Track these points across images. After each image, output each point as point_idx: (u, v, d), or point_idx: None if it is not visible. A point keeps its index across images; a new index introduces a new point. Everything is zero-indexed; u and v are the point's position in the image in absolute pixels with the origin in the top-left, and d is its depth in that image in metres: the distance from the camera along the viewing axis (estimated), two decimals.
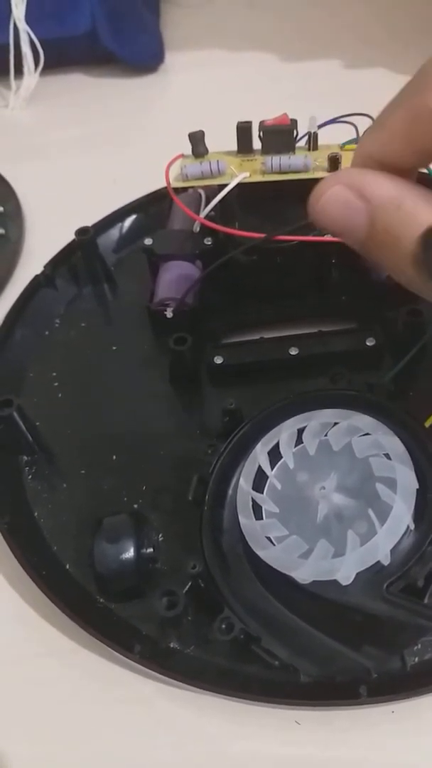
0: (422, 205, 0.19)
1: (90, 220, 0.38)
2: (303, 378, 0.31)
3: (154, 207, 0.39)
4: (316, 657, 0.24)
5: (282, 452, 0.26)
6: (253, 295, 0.34)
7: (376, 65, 0.47)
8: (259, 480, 0.26)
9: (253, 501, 0.25)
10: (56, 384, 0.34)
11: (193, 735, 0.25)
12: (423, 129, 0.20)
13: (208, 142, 0.33)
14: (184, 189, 0.34)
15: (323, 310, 0.34)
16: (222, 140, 0.33)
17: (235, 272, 0.33)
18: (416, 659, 0.24)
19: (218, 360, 0.32)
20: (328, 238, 0.32)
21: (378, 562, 0.23)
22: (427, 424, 0.27)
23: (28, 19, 0.45)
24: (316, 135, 0.33)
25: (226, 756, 0.25)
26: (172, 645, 0.26)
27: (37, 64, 0.47)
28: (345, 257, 0.34)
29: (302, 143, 0.33)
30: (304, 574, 0.23)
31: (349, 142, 0.33)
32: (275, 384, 0.31)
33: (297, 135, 0.33)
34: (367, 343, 0.32)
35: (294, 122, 0.33)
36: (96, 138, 0.46)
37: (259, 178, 0.32)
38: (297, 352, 0.32)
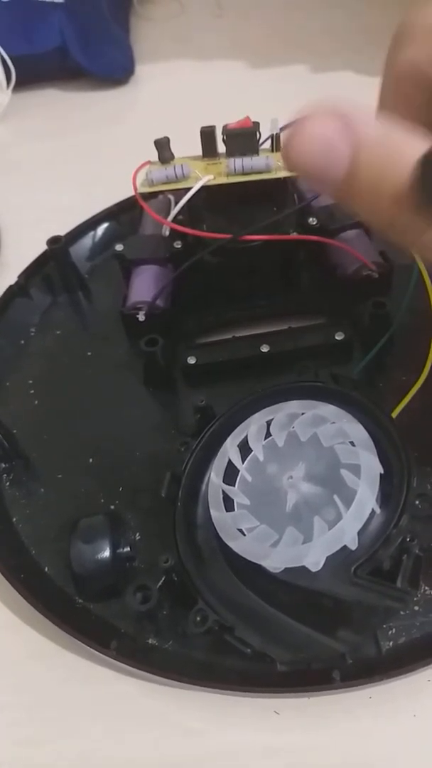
0: (410, 139, 0.17)
1: (65, 231, 0.38)
2: (275, 374, 0.31)
3: (126, 214, 0.40)
4: (290, 644, 0.24)
5: (251, 445, 0.26)
6: (224, 295, 0.35)
7: (342, 69, 0.48)
8: (231, 473, 0.26)
9: (225, 494, 0.25)
10: (32, 391, 0.34)
11: (175, 729, 0.25)
12: (403, 91, 0.19)
13: (180, 148, 0.34)
14: (154, 195, 0.35)
15: (293, 307, 0.34)
16: (193, 146, 0.34)
17: (205, 274, 0.34)
18: (391, 643, 0.25)
19: (191, 360, 0.33)
20: (294, 236, 0.33)
21: (345, 547, 0.23)
22: (394, 414, 0.27)
23: None
24: (278, 136, 0.33)
25: (208, 749, 0.25)
26: (150, 641, 0.26)
27: (8, 80, 0.48)
28: (312, 254, 0.34)
29: (267, 145, 0.34)
30: (274, 562, 0.23)
31: None
32: (248, 381, 0.31)
33: (260, 137, 0.33)
34: (337, 338, 0.32)
35: (256, 125, 0.33)
36: (70, 151, 0.47)
37: (223, 180, 0.32)
38: (268, 350, 0.32)
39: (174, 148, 0.34)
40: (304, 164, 0.18)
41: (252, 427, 0.27)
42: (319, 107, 0.18)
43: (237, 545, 0.24)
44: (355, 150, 0.17)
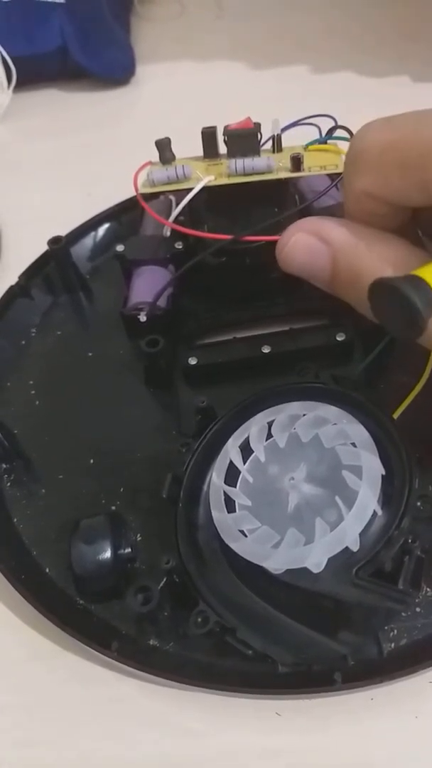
0: (377, 243, 0.21)
1: (65, 232, 0.38)
2: (276, 375, 0.31)
3: (127, 215, 0.39)
4: (292, 646, 0.24)
5: (252, 446, 0.26)
6: (226, 296, 0.35)
7: (342, 69, 0.48)
8: (232, 475, 0.26)
9: (226, 495, 0.25)
10: (33, 392, 0.34)
11: (176, 730, 0.25)
12: (365, 208, 0.22)
13: (181, 149, 0.34)
14: (155, 195, 0.35)
15: (294, 308, 0.34)
16: (194, 147, 0.34)
17: (206, 275, 0.34)
18: (392, 645, 0.25)
19: (192, 361, 0.33)
20: None
21: (347, 548, 0.23)
22: (395, 415, 0.27)
23: None
24: (279, 137, 0.33)
25: (209, 750, 0.25)
26: (151, 642, 0.26)
27: (9, 81, 0.48)
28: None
29: (268, 146, 0.34)
30: (275, 563, 0.23)
31: (312, 142, 0.34)
32: (249, 382, 0.31)
33: (261, 138, 0.33)
34: (338, 339, 0.32)
35: (257, 125, 0.33)
36: (70, 151, 0.47)
37: (224, 180, 0.32)
38: (269, 350, 0.32)
39: (175, 148, 0.34)
40: (293, 269, 0.23)
41: (253, 428, 0.27)
42: (298, 222, 0.23)
43: (238, 546, 0.24)
44: (333, 258, 0.22)
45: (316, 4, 0.54)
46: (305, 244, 0.22)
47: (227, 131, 0.33)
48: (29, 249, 0.38)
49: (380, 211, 0.22)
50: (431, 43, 0.49)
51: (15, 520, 0.30)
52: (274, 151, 0.34)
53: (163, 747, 0.25)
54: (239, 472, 0.26)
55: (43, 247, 0.37)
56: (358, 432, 0.25)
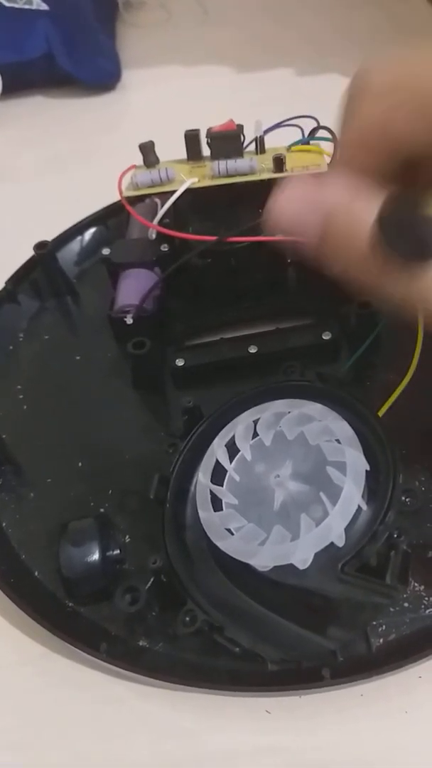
0: (375, 200, 0.19)
1: (52, 236, 0.38)
2: (263, 374, 0.31)
3: (113, 218, 0.40)
4: (280, 643, 0.24)
5: (239, 445, 0.26)
6: (212, 297, 0.35)
7: (327, 71, 0.48)
8: (219, 474, 0.26)
9: (213, 494, 0.25)
10: (21, 396, 0.34)
11: (167, 730, 0.25)
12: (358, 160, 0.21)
13: (167, 153, 0.34)
14: (140, 198, 0.35)
15: (280, 308, 0.35)
16: (179, 150, 0.34)
17: (192, 276, 0.34)
18: (381, 640, 0.25)
19: (180, 362, 0.33)
20: (278, 237, 0.33)
21: (333, 544, 0.23)
22: (381, 412, 0.28)
23: None
24: (262, 139, 0.34)
25: (200, 749, 0.25)
26: (140, 643, 0.26)
27: None
28: (299, 255, 0.34)
29: (251, 148, 0.34)
30: (262, 560, 0.23)
31: (295, 143, 0.34)
32: (236, 382, 0.31)
33: (244, 140, 0.33)
34: (324, 337, 0.32)
35: (240, 127, 0.33)
36: (56, 156, 0.47)
37: (208, 182, 0.33)
38: (256, 350, 0.32)
39: (162, 152, 0.34)
40: (286, 225, 0.21)
41: (239, 427, 0.27)
42: (292, 178, 0.21)
43: (225, 545, 0.24)
44: (325, 220, 0.20)
45: (298, 10, 0.54)
46: (297, 199, 0.21)
47: (210, 133, 0.33)
48: (15, 254, 0.38)
49: (378, 155, 0.21)
50: (409, 44, 0.50)
51: (4, 524, 0.30)
52: (257, 153, 0.34)
53: (154, 748, 0.25)
54: (226, 471, 0.26)
55: (30, 252, 0.37)
56: (342, 428, 0.25)
